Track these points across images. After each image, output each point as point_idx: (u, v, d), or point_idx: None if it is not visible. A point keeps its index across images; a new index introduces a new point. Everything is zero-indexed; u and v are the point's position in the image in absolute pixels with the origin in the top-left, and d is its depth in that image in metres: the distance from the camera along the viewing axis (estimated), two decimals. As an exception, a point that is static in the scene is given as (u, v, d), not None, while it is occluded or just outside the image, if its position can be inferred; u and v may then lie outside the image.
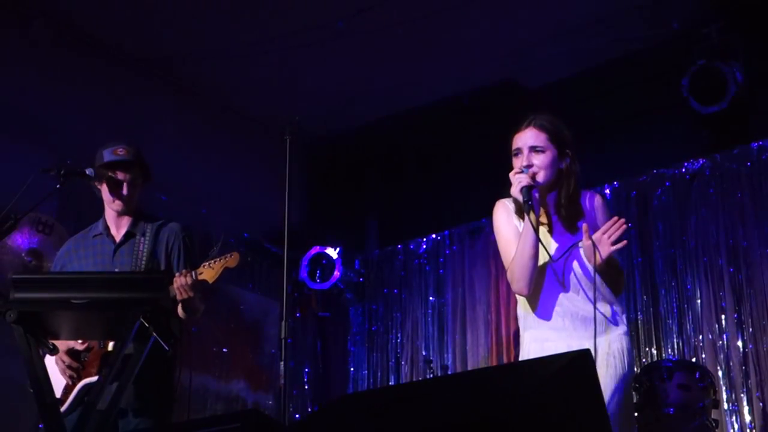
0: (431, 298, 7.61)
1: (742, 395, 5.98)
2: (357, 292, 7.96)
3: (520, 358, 3.45)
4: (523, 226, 3.41)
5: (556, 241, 3.45)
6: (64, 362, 3.90)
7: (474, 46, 6.59)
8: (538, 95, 6.77)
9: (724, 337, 6.13)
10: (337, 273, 7.64)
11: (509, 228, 3.50)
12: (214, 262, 4.03)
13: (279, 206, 4.52)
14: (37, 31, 6.06)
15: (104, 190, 4.16)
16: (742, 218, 6.25)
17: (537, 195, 3.42)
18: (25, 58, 6.02)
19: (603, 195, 3.62)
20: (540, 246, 3.35)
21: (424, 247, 7.75)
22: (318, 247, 7.70)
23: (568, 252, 3.40)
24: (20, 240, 5.55)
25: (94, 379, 3.86)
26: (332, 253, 7.67)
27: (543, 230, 3.46)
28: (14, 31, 6.00)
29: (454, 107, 7.24)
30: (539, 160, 3.44)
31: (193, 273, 3.98)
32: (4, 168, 5.57)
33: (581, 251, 3.38)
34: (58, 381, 3.91)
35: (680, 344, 6.30)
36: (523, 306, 3.50)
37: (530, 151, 3.45)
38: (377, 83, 6.99)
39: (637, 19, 6.28)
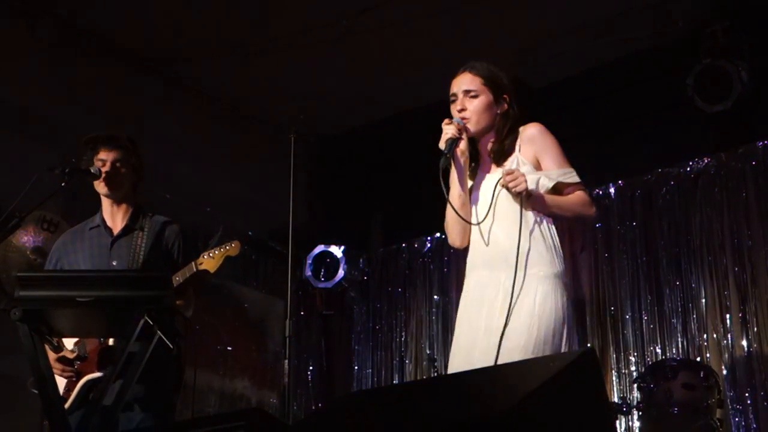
0: (435, 296, 7.60)
1: (746, 395, 5.96)
2: (361, 290, 7.95)
3: (462, 301, 3.48)
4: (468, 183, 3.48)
5: (486, 186, 3.47)
6: (56, 369, 3.86)
7: (479, 44, 6.56)
8: (544, 94, 6.75)
9: (729, 336, 6.11)
10: (341, 271, 7.63)
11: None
12: (215, 251, 4.01)
13: (283, 204, 4.53)
14: (43, 30, 6.07)
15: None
16: (747, 217, 6.23)
17: (462, 146, 3.43)
18: (30, 56, 6.03)
19: (540, 125, 3.54)
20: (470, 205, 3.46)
21: (429, 245, 7.74)
22: (322, 246, 7.69)
23: (491, 210, 3.39)
24: (25, 238, 5.56)
25: (96, 375, 3.86)
26: (336, 251, 7.67)
27: (472, 175, 3.51)
28: (20, 30, 6.00)
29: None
30: (473, 105, 3.47)
31: (194, 264, 3.98)
32: (9, 166, 5.59)
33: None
34: (60, 379, 3.91)
35: (685, 343, 6.27)
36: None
37: (464, 96, 3.49)
38: (382, 82, 6.98)
39: (643, 18, 6.26)
